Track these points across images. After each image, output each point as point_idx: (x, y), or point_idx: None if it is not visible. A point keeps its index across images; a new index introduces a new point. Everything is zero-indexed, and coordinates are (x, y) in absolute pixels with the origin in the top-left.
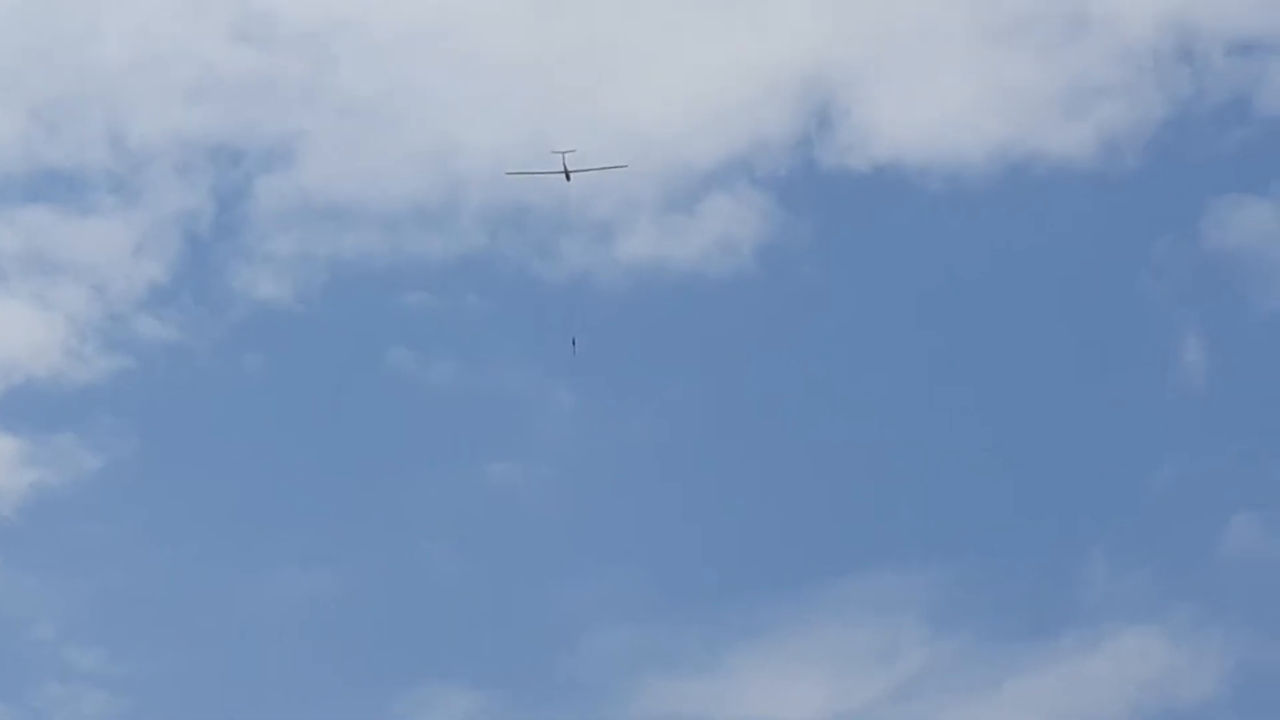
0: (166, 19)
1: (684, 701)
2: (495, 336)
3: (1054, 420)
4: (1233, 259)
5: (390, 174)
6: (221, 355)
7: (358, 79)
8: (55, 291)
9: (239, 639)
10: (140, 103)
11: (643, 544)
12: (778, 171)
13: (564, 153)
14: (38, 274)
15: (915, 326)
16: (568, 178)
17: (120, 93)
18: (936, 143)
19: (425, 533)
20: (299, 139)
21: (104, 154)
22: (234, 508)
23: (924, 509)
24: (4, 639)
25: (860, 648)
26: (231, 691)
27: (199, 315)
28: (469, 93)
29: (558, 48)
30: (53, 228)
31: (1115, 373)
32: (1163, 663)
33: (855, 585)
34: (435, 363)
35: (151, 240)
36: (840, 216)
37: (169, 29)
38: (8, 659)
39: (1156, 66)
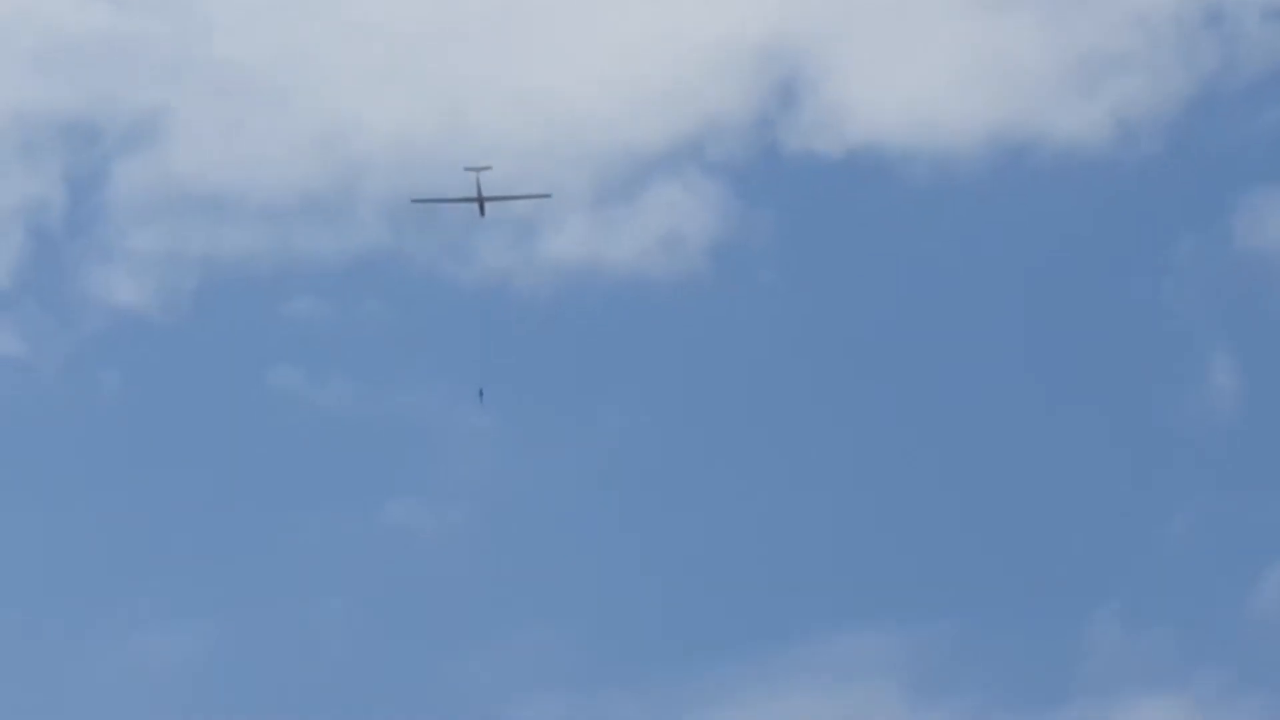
0: None
1: None
2: (398, 351)
3: (1057, 453)
4: (1268, 261)
5: (274, 158)
6: (72, 372)
7: (235, 45)
8: None
9: (94, 712)
10: None
11: (576, 597)
12: (733, 156)
13: (478, 170)
14: None
15: (895, 340)
16: (482, 210)
17: None
18: (920, 124)
19: (314, 584)
20: (165, 115)
21: None
22: (88, 554)
23: (905, 557)
24: None
25: (830, 718)
26: None
27: (45, 325)
28: (366, 63)
29: (472, 12)
30: None
31: (1130, 396)
32: None
33: (826, 647)
34: (327, 382)
35: None
36: (806, 209)
37: None
38: None
39: (1179, 35)
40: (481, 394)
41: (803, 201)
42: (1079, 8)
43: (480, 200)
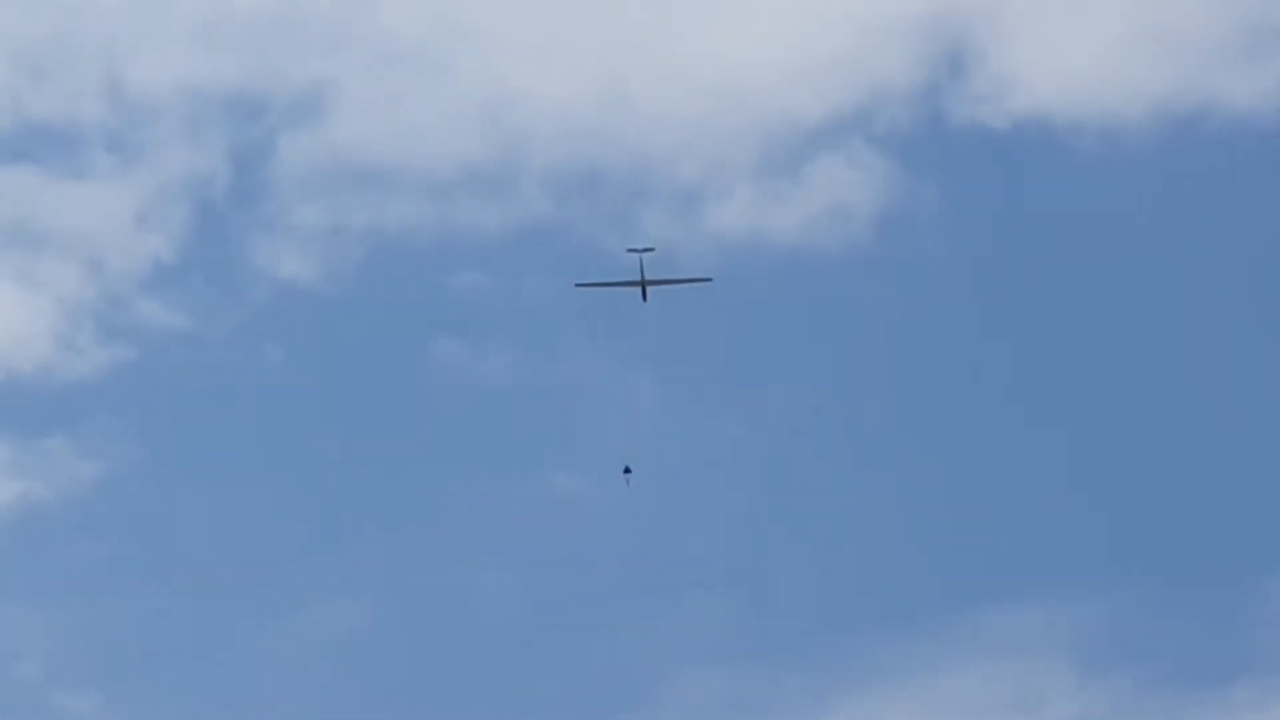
0: None
1: None
2: (561, 324)
3: (1232, 428)
4: None
5: (437, 130)
6: (238, 345)
7: (398, 17)
8: (43, 269)
9: (257, 683)
10: (141, 46)
11: (735, 570)
12: (899, 127)
13: (641, 251)
14: (22, 248)
15: (1063, 312)
16: (644, 295)
17: (118, 34)
18: (1087, 93)
19: (478, 556)
20: (330, 88)
21: (99, 106)
22: (252, 527)
23: (1075, 531)
24: None
25: (996, 695)
26: None
27: (211, 298)
28: (529, 35)
29: None
30: (40, 193)
31: None
32: None
33: (991, 621)
34: (490, 354)
35: (156, 209)
36: (973, 180)
37: None
38: None
39: None
40: (628, 471)
41: (969, 173)
42: None
43: (644, 284)
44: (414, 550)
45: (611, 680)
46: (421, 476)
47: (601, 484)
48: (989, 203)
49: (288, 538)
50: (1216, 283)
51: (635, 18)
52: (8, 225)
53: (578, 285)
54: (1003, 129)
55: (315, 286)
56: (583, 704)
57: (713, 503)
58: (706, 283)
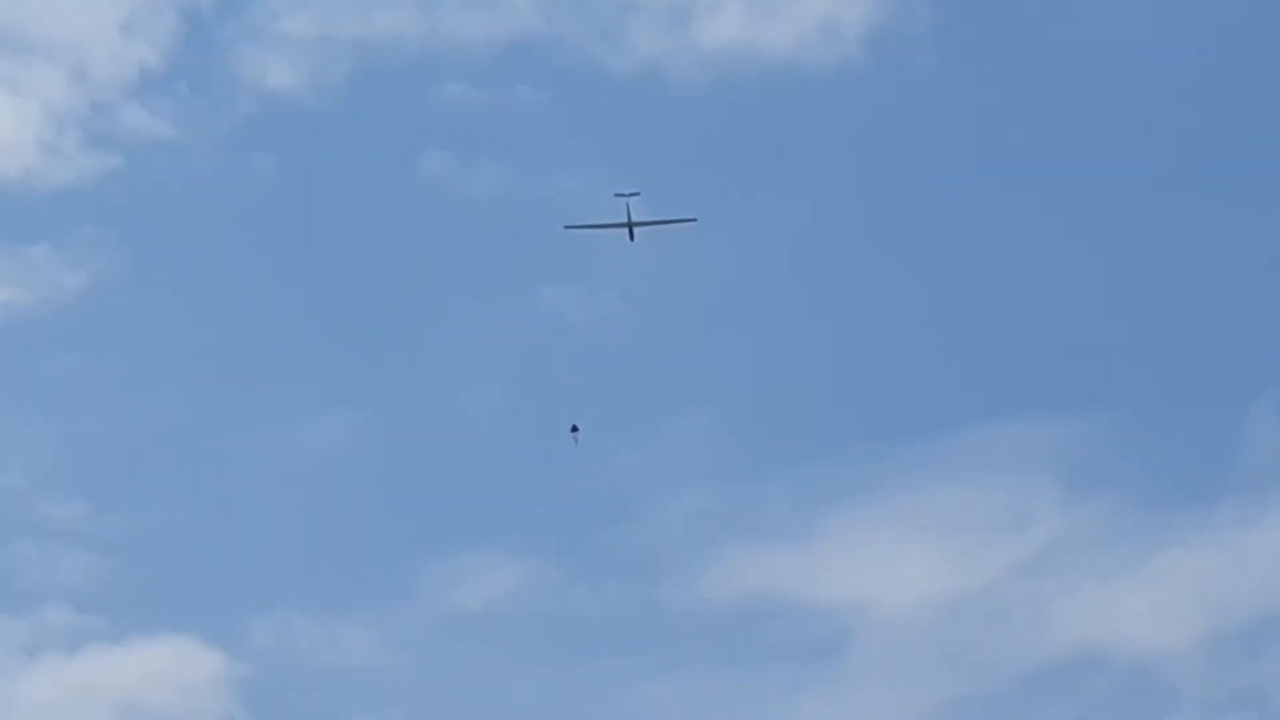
0: None
1: (770, 576)
2: (549, 137)
3: (1219, 249)
4: None
5: None
6: (224, 155)
7: None
8: (28, 75)
9: (245, 495)
10: None
11: (724, 388)
12: None
13: (627, 196)
14: (8, 54)
15: (1055, 127)
16: (631, 235)
17: None
18: None
19: (466, 371)
20: None
21: None
22: (240, 339)
23: (1062, 351)
24: None
25: (979, 514)
26: (235, 557)
27: (198, 107)
28: None
29: None
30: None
31: None
32: None
33: (978, 439)
34: (479, 168)
35: (142, 16)
36: None
37: None
38: None
39: None
40: (576, 430)
41: None
42: None
43: (630, 225)
44: (401, 364)
45: (600, 497)
46: (409, 290)
47: (590, 299)
48: (981, 17)
49: (274, 350)
50: (1212, 97)
51: None
52: None
53: (566, 228)
54: None
55: (302, 96)
56: (571, 521)
57: (701, 320)
58: (691, 222)
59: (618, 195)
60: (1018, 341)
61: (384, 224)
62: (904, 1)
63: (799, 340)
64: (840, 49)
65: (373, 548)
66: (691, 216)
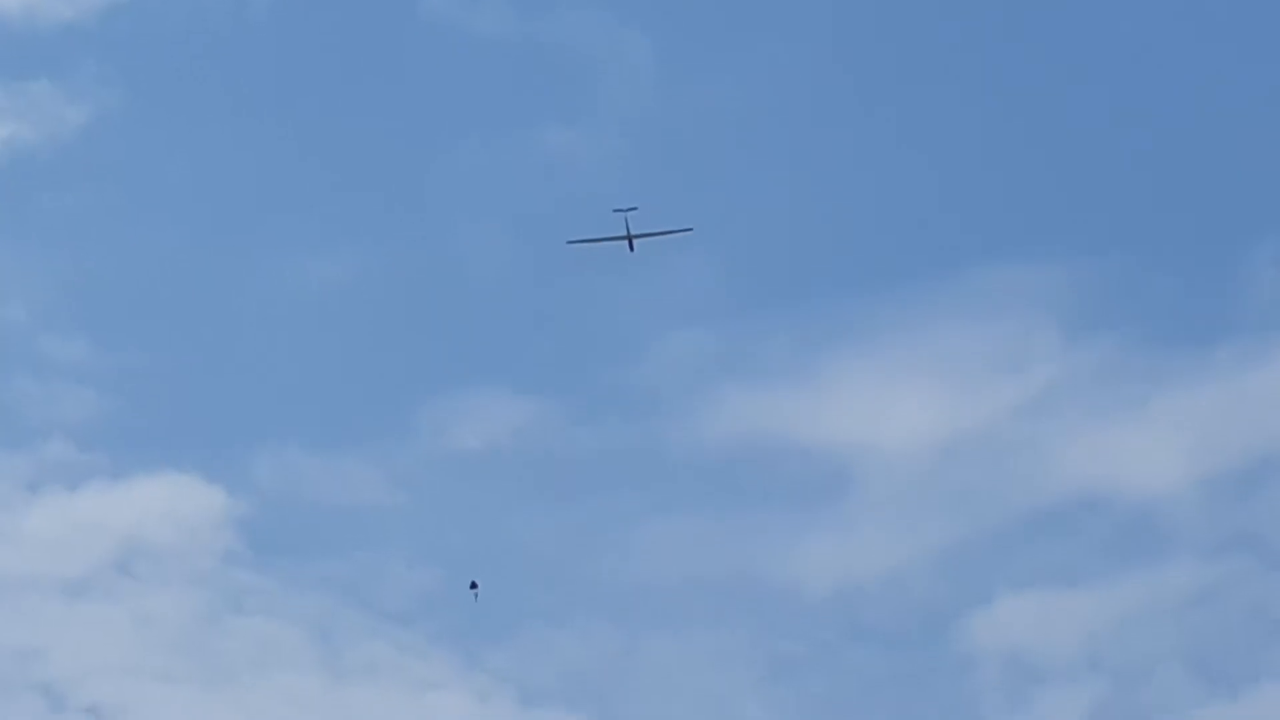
0: None
1: (767, 417)
2: None
3: (1222, 89)
4: None
5: None
6: None
7: None
8: None
9: (246, 333)
10: None
11: (725, 228)
12: None
13: (626, 211)
14: None
15: None
16: (631, 246)
17: None
18: None
19: (468, 210)
20: None
21: None
22: (241, 176)
23: (1062, 191)
24: None
25: (981, 355)
26: (237, 394)
27: None
28: None
29: None
30: None
31: None
32: None
33: (976, 280)
34: (481, 6)
35: None
36: None
37: None
38: None
39: None
40: (474, 586)
41: None
42: None
43: (630, 238)
44: (404, 201)
45: (601, 336)
46: (412, 129)
47: (595, 138)
48: None
49: (276, 187)
50: None
51: None
52: None
53: (569, 243)
54: None
55: None
56: (571, 361)
57: (704, 158)
58: (687, 232)
59: (616, 211)
60: (1020, 182)
61: (385, 61)
62: None
63: (801, 181)
64: None
65: (374, 385)
66: (688, 226)
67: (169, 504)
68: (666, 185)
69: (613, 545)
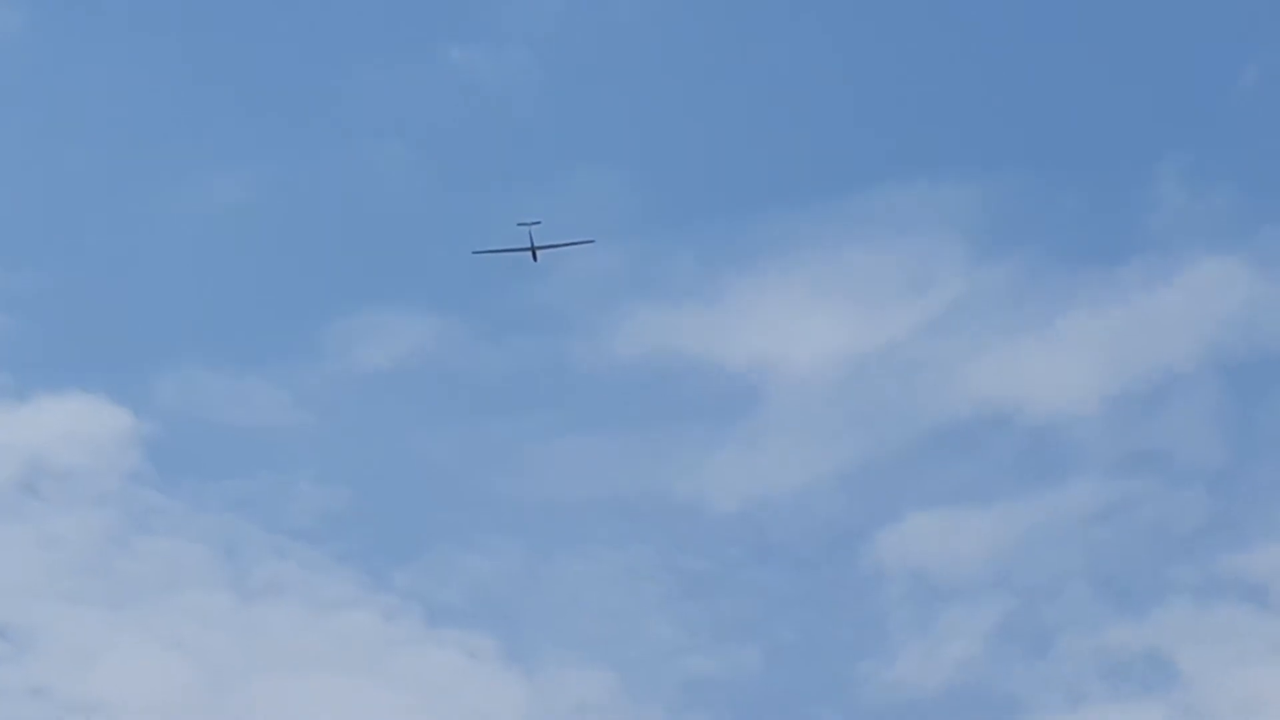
0: None
1: (674, 335)
2: None
3: (1127, 5)
4: None
5: None
6: None
7: None
8: None
9: (149, 252)
10: None
11: (630, 146)
12: None
13: (530, 225)
14: None
15: None
16: (534, 256)
17: None
18: None
19: (372, 128)
20: None
21: None
22: (143, 95)
23: (965, 108)
24: None
25: (887, 274)
26: (142, 314)
27: None
28: None
29: None
30: None
31: None
32: (1246, 296)
33: (882, 199)
34: None
35: None
36: None
37: None
38: None
39: None
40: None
41: None
42: None
43: (533, 249)
44: (307, 121)
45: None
46: (315, 47)
47: (500, 55)
48: None
49: (178, 107)
50: None
51: None
52: None
53: (474, 252)
54: None
55: None
56: (477, 279)
57: (609, 79)
58: (588, 244)
59: (520, 224)
60: (927, 100)
61: None
62: None
63: (707, 100)
64: None
65: (280, 305)
66: (589, 239)
67: (74, 424)
68: (573, 102)
69: (519, 464)
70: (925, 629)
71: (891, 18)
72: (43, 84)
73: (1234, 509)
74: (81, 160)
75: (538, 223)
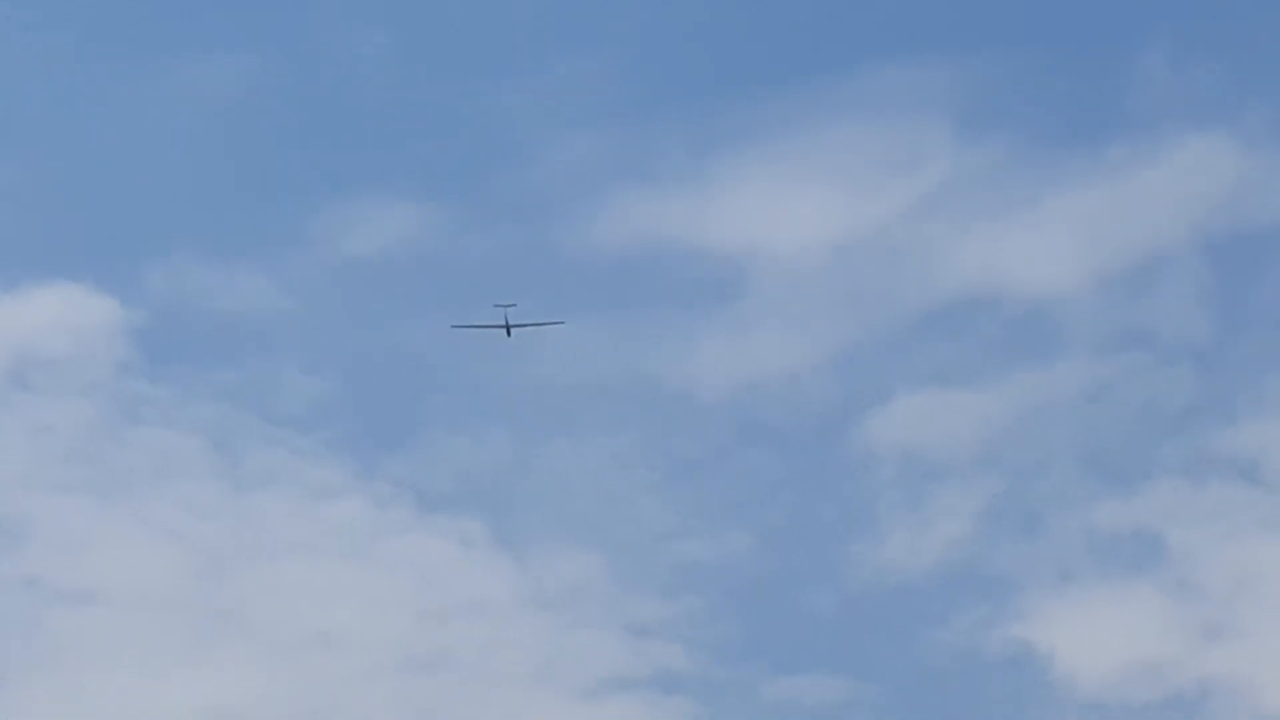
0: None
1: (660, 220)
2: None
3: None
4: None
5: None
6: None
7: None
8: None
9: (136, 141)
10: None
11: (614, 33)
12: None
13: (505, 306)
14: None
15: None
16: (509, 333)
17: None
18: None
19: (352, 12)
20: None
21: None
22: None
23: None
24: None
25: (873, 156)
26: (127, 203)
27: None
28: None
29: None
30: None
31: None
32: (1232, 174)
33: (867, 81)
34: None
35: None
36: None
37: None
38: None
39: None
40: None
41: None
42: None
43: (508, 327)
44: (293, 7)
45: (491, 140)
46: None
47: None
48: None
49: None
50: None
51: None
52: None
53: (453, 327)
54: None
55: None
56: (462, 166)
57: None
58: (559, 325)
59: (496, 305)
60: None
61: None
62: None
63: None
64: None
65: (265, 192)
66: (560, 320)
67: (62, 315)
68: None
69: (507, 350)
70: (915, 510)
71: None
72: None
73: (1222, 386)
74: (67, 52)
75: (513, 305)
